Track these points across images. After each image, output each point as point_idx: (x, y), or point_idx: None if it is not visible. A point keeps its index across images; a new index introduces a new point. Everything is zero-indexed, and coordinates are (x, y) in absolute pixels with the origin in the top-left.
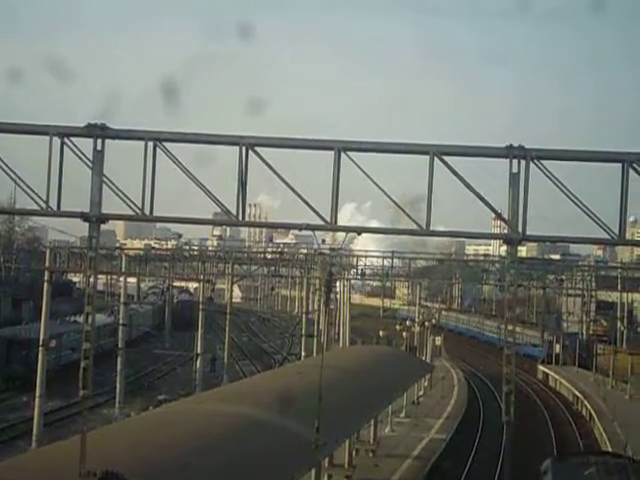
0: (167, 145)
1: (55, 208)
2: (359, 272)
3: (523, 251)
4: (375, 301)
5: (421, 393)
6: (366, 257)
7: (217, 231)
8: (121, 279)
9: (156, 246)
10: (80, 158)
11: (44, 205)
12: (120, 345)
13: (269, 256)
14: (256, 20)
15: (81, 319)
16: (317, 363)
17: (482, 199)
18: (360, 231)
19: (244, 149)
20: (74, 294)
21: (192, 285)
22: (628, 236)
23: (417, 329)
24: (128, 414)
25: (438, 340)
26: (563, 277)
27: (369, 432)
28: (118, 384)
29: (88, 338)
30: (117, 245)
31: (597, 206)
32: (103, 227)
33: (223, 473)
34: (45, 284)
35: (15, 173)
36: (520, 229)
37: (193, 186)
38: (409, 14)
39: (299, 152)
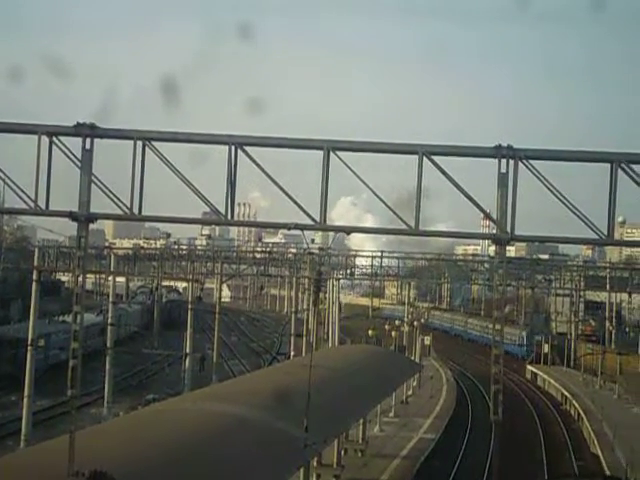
0: (157, 144)
1: (43, 207)
2: (348, 272)
3: (512, 251)
4: (365, 301)
5: (410, 393)
6: (355, 257)
7: (206, 230)
8: (110, 278)
9: (145, 245)
10: (69, 157)
11: (32, 204)
12: (109, 345)
13: (258, 255)
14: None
15: (69, 318)
16: (306, 363)
17: (471, 199)
18: (349, 231)
19: (233, 148)
20: (62, 293)
21: (181, 285)
22: (617, 236)
23: (406, 329)
24: (117, 414)
25: (427, 340)
26: (552, 277)
27: (358, 432)
28: (107, 384)
29: (77, 337)
30: (106, 244)
31: (586, 206)
32: (92, 226)
33: (212, 472)
34: (34, 283)
35: (3, 172)
36: (509, 229)
37: (183, 185)
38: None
39: (292, 151)
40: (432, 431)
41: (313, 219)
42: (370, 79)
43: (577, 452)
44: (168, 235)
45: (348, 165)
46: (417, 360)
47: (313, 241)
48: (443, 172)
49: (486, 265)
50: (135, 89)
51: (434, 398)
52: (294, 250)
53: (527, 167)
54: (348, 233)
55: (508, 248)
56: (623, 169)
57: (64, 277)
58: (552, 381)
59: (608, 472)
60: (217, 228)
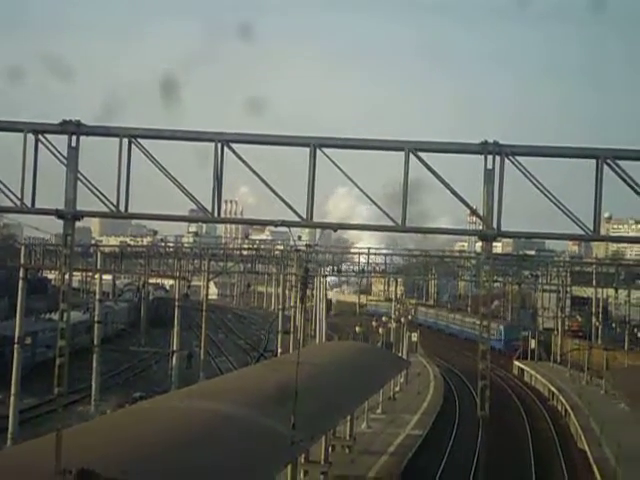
0: (146, 142)
1: (30, 205)
2: (335, 268)
3: (499, 247)
4: (355, 298)
5: (397, 389)
6: (343, 254)
7: (193, 228)
8: (96, 276)
9: (132, 243)
10: (55, 155)
11: (18, 202)
12: (96, 342)
13: (245, 253)
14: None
15: (56, 316)
16: (293, 360)
17: (457, 195)
18: (336, 227)
19: (220, 146)
20: (49, 291)
21: (168, 282)
22: (603, 232)
23: (393, 325)
24: (104, 411)
25: (414, 336)
26: (538, 273)
27: (345, 428)
28: (94, 381)
29: (63, 335)
30: (92, 242)
31: (572, 202)
32: (78, 224)
33: (199, 470)
34: (20, 281)
35: None
36: (495, 225)
37: (170, 182)
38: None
39: (281, 149)
40: (420, 427)
41: (300, 216)
42: (370, 77)
43: (564, 447)
44: (155, 232)
45: (335, 162)
46: (404, 356)
47: (300, 238)
48: (430, 169)
49: (473, 261)
50: (133, 87)
51: (421, 394)
52: (281, 247)
53: (513, 163)
54: (335, 230)
55: (495, 244)
56: (609, 165)
57: (51, 275)
58: (539, 377)
59: (595, 467)
60: (204, 225)
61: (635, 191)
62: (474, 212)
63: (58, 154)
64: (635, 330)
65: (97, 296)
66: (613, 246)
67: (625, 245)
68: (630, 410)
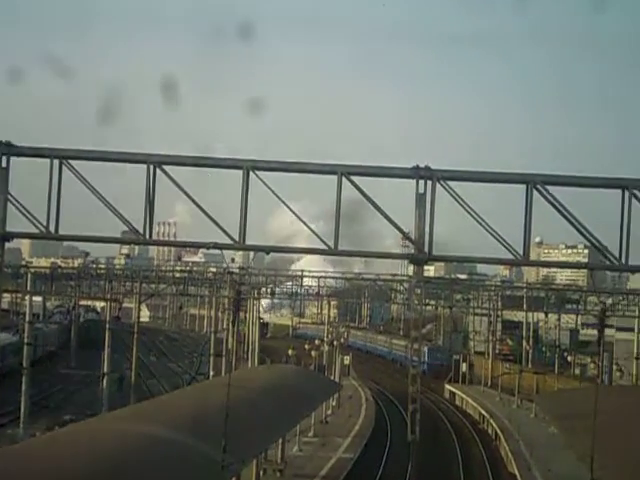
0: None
1: None
2: (268, 291)
3: (431, 270)
4: (288, 320)
5: (329, 412)
6: (276, 276)
7: (125, 249)
8: (26, 298)
9: (62, 264)
10: None
11: None
12: (25, 364)
13: (178, 275)
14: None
15: None
16: (225, 383)
17: (389, 219)
18: (268, 250)
19: (152, 167)
20: None
21: (99, 304)
22: (534, 256)
23: (326, 348)
24: (33, 434)
25: (347, 359)
26: (470, 297)
27: (277, 452)
28: (23, 404)
29: None
30: (22, 263)
31: (506, 227)
32: (8, 245)
33: None
34: None
35: None
36: (426, 249)
37: (102, 204)
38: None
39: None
40: (351, 451)
41: (232, 238)
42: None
43: (494, 471)
44: (86, 254)
45: (268, 185)
46: (336, 379)
47: (233, 260)
48: (362, 192)
49: (405, 284)
50: (134, 88)
51: (353, 417)
52: (214, 269)
53: (444, 188)
54: (267, 253)
55: (427, 268)
56: (539, 190)
57: None
58: (470, 400)
59: None
60: (136, 247)
61: (564, 216)
62: (406, 236)
63: None
64: (565, 354)
65: (27, 318)
66: (544, 270)
67: (555, 270)
68: (559, 434)
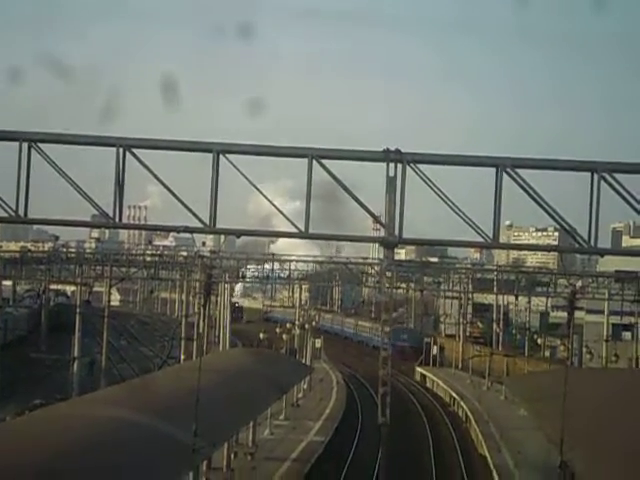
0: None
1: None
2: (240, 275)
3: (402, 254)
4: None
5: (300, 395)
6: (247, 260)
7: (95, 233)
8: None
9: (32, 248)
10: None
11: None
12: None
13: (148, 259)
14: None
15: None
16: (196, 366)
17: (359, 202)
18: (239, 234)
19: (121, 151)
20: None
21: (69, 288)
22: (504, 239)
23: (297, 332)
24: (3, 418)
25: (318, 342)
26: (441, 280)
27: (248, 435)
28: None
29: None
30: None
31: (477, 210)
32: None
33: (98, 479)
34: None
35: None
36: (397, 232)
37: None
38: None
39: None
40: (322, 434)
41: (203, 222)
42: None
43: (465, 453)
44: (56, 238)
45: (239, 169)
46: (308, 363)
47: (204, 244)
48: (332, 176)
49: (376, 268)
50: (133, 87)
51: (324, 400)
52: (185, 253)
53: (415, 171)
54: (238, 236)
55: (398, 251)
56: (508, 173)
57: None
58: (441, 383)
59: (495, 473)
60: (107, 231)
61: (534, 199)
62: (376, 219)
63: None
64: (535, 337)
65: None
66: (514, 253)
67: (526, 252)
68: (529, 416)
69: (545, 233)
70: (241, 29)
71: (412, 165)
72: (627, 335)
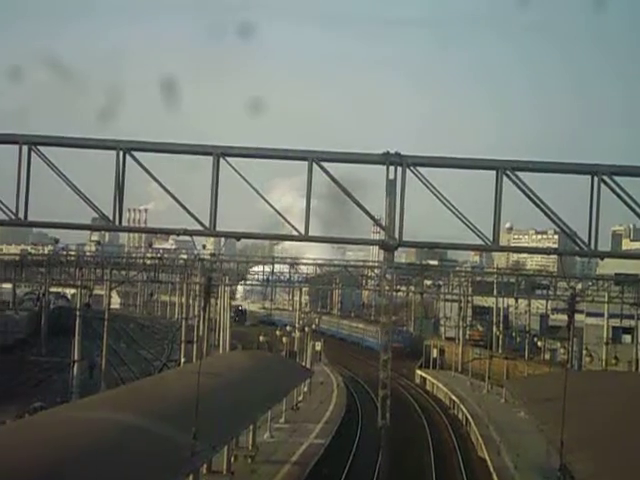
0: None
1: None
2: (239, 277)
3: (402, 257)
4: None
5: (300, 398)
6: (247, 262)
7: (95, 236)
8: None
9: (32, 251)
10: None
11: None
12: None
13: (148, 262)
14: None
15: None
16: (196, 369)
17: (360, 206)
18: (239, 237)
19: (121, 154)
20: None
21: (69, 291)
22: (504, 242)
23: (297, 334)
24: (3, 421)
25: (318, 345)
26: (440, 282)
27: (248, 438)
28: None
29: None
30: None
31: (478, 213)
32: None
33: None
34: None
35: None
36: (397, 235)
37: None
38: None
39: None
40: (322, 436)
41: (203, 225)
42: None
43: (465, 456)
44: (56, 241)
45: (239, 172)
46: (308, 366)
47: (204, 247)
48: (332, 179)
49: (376, 271)
50: (133, 88)
51: (324, 403)
52: (185, 256)
53: (415, 174)
54: (238, 239)
55: (398, 254)
56: (508, 176)
57: None
58: (440, 385)
59: (495, 475)
60: (107, 234)
61: (534, 202)
62: (376, 222)
63: None
64: (535, 339)
65: None
66: (514, 256)
67: (525, 255)
68: (529, 419)
69: (545, 236)
70: (241, 29)
71: (412, 168)
72: (627, 338)
